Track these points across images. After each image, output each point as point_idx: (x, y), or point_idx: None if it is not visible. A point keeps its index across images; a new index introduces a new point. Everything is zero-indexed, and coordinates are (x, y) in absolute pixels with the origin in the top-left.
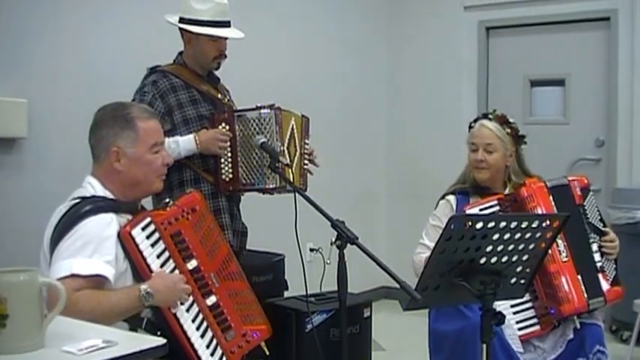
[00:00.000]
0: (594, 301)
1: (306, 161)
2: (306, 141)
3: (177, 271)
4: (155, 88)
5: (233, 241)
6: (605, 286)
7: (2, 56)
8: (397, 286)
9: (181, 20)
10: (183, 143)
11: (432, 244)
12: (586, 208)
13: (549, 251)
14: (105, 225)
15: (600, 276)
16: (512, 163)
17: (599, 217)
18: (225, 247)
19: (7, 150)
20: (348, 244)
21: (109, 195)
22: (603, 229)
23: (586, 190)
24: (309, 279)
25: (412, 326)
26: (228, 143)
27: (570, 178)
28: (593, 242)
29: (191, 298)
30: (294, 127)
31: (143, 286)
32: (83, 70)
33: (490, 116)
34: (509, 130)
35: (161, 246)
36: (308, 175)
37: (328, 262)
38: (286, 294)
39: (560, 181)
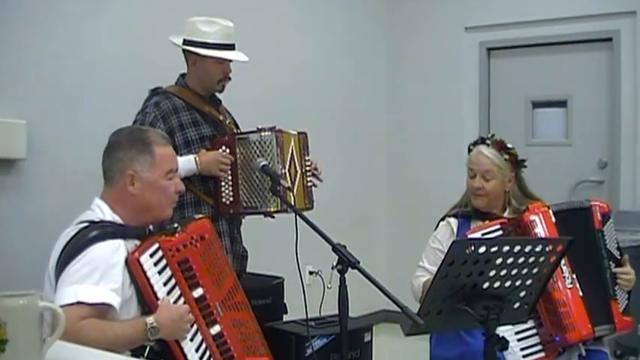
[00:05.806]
0: (600, 328)
1: (309, 178)
2: (307, 157)
3: (182, 300)
4: (157, 109)
5: (233, 264)
6: (614, 313)
7: (1, 77)
8: (398, 309)
9: (186, 42)
10: (183, 163)
11: (430, 267)
12: (605, 233)
13: (554, 278)
14: (112, 251)
15: (611, 303)
16: (512, 188)
17: (616, 245)
18: (231, 277)
19: (7, 171)
20: (349, 268)
21: (117, 219)
22: (620, 257)
23: (606, 216)
24: (308, 302)
25: (413, 351)
26: (230, 166)
27: (593, 203)
28: (608, 269)
29: (195, 327)
30: (294, 148)
31: (149, 320)
32: (82, 92)
33: (488, 142)
34: (507, 157)
35: (168, 273)
36: (313, 189)
37: (329, 286)
38: (285, 317)
39: (581, 204)
